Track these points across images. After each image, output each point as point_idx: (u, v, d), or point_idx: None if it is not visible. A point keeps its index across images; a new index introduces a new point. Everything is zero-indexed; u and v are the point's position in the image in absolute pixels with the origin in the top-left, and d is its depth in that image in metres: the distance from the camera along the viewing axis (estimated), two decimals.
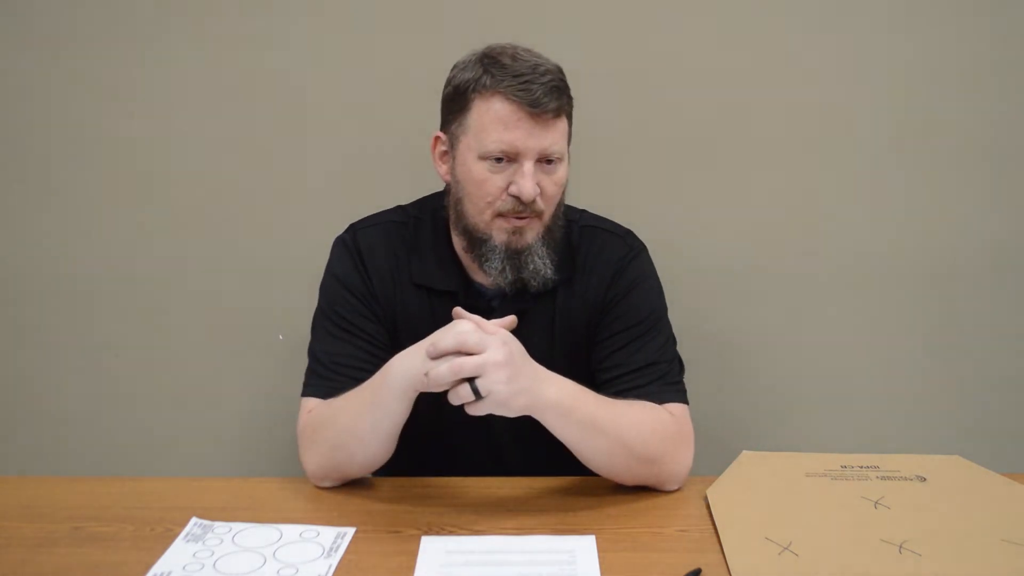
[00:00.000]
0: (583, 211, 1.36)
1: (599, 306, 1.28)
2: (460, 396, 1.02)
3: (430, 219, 1.31)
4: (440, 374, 1.02)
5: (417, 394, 1.10)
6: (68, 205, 1.76)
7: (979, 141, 1.72)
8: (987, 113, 1.70)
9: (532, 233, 1.20)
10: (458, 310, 1.11)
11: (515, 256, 1.20)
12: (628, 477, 1.17)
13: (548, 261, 1.21)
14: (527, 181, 1.15)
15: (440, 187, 1.32)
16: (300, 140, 1.73)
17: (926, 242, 1.76)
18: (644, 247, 1.34)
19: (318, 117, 1.72)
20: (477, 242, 1.21)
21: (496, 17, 1.65)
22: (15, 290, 1.79)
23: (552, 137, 1.17)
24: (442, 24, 1.66)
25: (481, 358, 1.02)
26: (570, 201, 1.35)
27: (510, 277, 1.21)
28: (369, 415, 1.13)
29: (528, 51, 1.19)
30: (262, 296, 1.78)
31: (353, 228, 1.33)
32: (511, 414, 1.05)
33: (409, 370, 1.08)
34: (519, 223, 1.19)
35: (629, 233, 1.35)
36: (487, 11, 1.65)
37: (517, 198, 1.17)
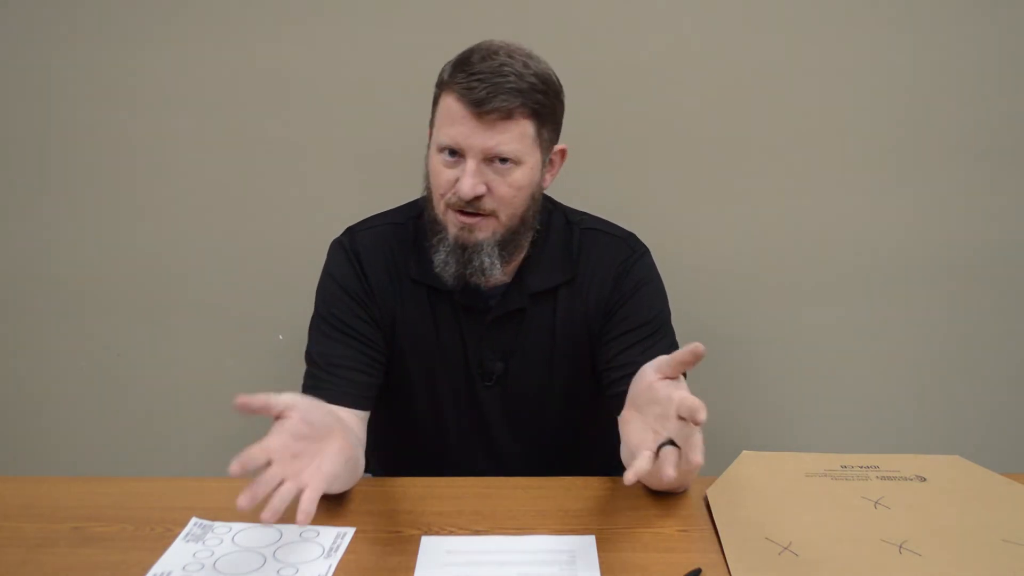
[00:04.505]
0: (584, 214, 1.35)
1: (602, 308, 1.28)
2: None
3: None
4: None
5: None
6: (68, 205, 1.77)
7: (979, 141, 1.72)
8: (987, 113, 1.71)
9: (484, 232, 1.19)
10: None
11: (461, 250, 1.20)
12: (680, 486, 1.15)
13: (497, 261, 1.21)
14: (466, 178, 1.15)
15: None
16: (300, 141, 1.73)
17: (926, 242, 1.76)
18: (647, 250, 1.33)
19: (319, 119, 1.72)
20: (436, 231, 1.22)
21: (499, 17, 1.65)
22: (15, 291, 1.80)
23: (499, 138, 1.14)
24: (443, 25, 1.66)
25: None
26: (570, 202, 1.35)
27: (452, 270, 1.21)
28: None
29: (514, 51, 1.16)
30: (262, 297, 1.78)
31: (350, 231, 1.32)
32: None
33: None
34: (468, 220, 1.18)
35: (632, 236, 1.34)
36: (490, 11, 1.66)
37: None
